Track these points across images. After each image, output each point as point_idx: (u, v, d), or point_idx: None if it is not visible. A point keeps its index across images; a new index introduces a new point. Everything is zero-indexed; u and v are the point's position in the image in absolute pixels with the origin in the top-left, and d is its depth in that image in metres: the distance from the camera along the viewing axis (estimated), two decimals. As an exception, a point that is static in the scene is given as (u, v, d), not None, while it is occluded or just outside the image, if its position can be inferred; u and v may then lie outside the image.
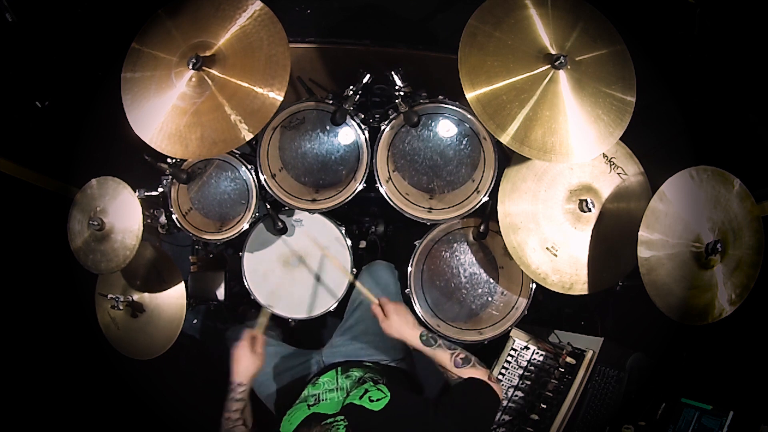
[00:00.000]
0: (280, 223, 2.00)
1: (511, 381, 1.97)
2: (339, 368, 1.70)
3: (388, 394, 1.39)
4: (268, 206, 2.00)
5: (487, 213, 1.91)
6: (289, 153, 2.00)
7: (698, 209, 1.65)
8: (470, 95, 1.59)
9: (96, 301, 2.08)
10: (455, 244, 2.05)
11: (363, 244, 2.33)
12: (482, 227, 1.93)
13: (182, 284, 2.00)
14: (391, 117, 1.90)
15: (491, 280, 2.03)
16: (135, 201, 1.85)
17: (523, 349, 2.00)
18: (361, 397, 1.40)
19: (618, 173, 1.84)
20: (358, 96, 1.89)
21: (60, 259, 2.05)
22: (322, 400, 1.55)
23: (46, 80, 2.26)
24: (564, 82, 1.61)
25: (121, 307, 1.95)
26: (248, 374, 1.57)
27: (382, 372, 1.73)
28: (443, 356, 1.51)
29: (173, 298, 1.99)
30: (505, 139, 1.60)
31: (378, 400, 1.38)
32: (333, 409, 1.43)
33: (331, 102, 1.92)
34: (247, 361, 1.57)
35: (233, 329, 2.04)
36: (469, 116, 1.88)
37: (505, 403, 1.94)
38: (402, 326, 1.54)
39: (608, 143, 1.63)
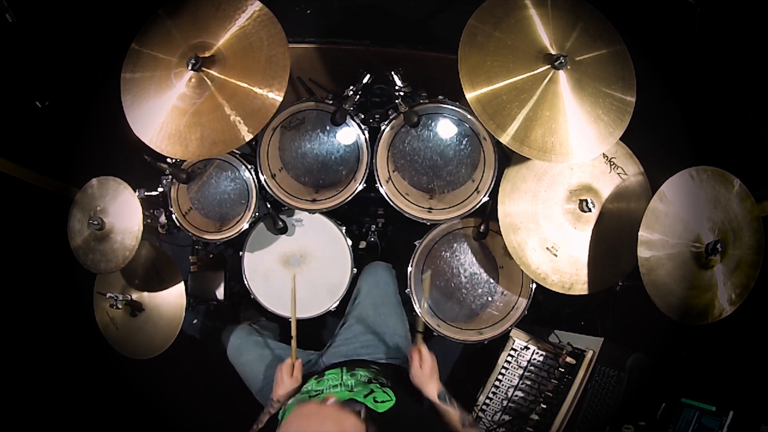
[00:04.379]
0: (280, 223, 2.00)
1: (511, 381, 1.97)
2: (344, 367, 1.71)
3: (394, 398, 1.40)
4: (268, 206, 2.00)
5: (487, 213, 1.91)
6: (289, 153, 2.00)
7: (698, 209, 1.66)
8: (470, 95, 1.59)
9: (95, 300, 2.07)
10: (455, 244, 2.05)
11: (363, 244, 2.33)
12: (482, 227, 1.93)
13: (182, 284, 2.00)
14: (391, 117, 1.90)
15: (491, 280, 2.03)
16: (135, 202, 1.85)
17: (523, 349, 2.00)
18: (365, 396, 1.41)
19: (618, 173, 1.84)
20: (358, 96, 1.89)
21: (60, 259, 2.05)
22: (326, 393, 1.56)
23: (46, 80, 2.26)
24: (564, 82, 1.61)
25: (119, 306, 1.95)
26: (287, 395, 1.63)
27: (387, 374, 1.73)
28: (454, 414, 1.52)
29: (173, 297, 1.99)
30: (505, 139, 1.60)
31: (383, 402, 1.38)
32: None
33: (331, 102, 1.92)
34: (286, 384, 1.64)
35: (228, 330, 2.04)
36: (469, 116, 1.88)
37: (505, 403, 1.94)
38: (430, 378, 1.58)
39: (608, 143, 1.64)
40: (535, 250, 1.79)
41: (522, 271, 1.80)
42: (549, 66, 1.60)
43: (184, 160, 1.99)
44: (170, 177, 1.98)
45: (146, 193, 2.01)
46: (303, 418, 1.17)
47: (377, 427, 1.24)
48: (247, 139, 1.61)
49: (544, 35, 1.64)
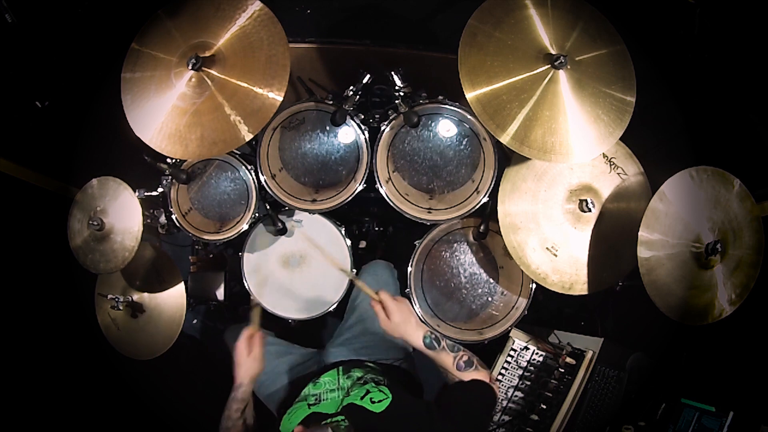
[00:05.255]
0: (279, 224, 2.00)
1: (511, 381, 1.97)
2: (340, 368, 1.70)
3: (390, 396, 1.39)
4: (268, 206, 2.00)
5: (487, 213, 1.91)
6: (289, 153, 2.00)
7: (698, 209, 1.65)
8: (470, 95, 1.59)
9: (96, 301, 2.08)
10: (455, 244, 2.05)
11: (363, 244, 2.34)
12: (482, 227, 1.93)
13: (182, 284, 2.00)
14: (391, 117, 1.90)
15: (491, 280, 2.03)
16: (135, 202, 1.85)
17: (523, 350, 2.00)
18: (362, 398, 1.40)
19: (618, 173, 1.84)
20: (358, 96, 1.89)
21: (60, 259, 2.05)
22: (323, 399, 1.55)
23: (46, 80, 2.26)
24: (564, 82, 1.61)
25: (120, 308, 1.95)
26: (248, 375, 1.54)
27: (383, 372, 1.73)
28: (446, 359, 1.44)
29: (173, 298, 1.99)
30: (505, 139, 1.60)
31: (379, 401, 1.37)
32: (333, 408, 1.43)
33: (331, 102, 1.92)
34: (246, 363, 1.54)
35: (231, 329, 2.04)
36: (469, 116, 1.88)
37: (505, 403, 1.94)
38: (405, 326, 1.44)
39: (608, 143, 1.63)
40: (535, 250, 1.79)
41: (522, 271, 1.80)
42: (549, 66, 1.60)
43: (184, 161, 1.99)
44: (170, 177, 1.98)
45: (146, 194, 2.01)
46: None
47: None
48: (247, 139, 1.61)
49: (544, 35, 1.63)
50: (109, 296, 1.95)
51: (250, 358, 1.53)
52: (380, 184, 1.90)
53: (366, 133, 1.93)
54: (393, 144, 1.96)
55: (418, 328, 1.45)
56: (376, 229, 2.35)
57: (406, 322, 1.45)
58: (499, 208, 1.80)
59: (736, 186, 1.69)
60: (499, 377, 1.98)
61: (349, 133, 1.97)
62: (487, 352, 2.10)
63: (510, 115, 1.60)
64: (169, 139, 1.64)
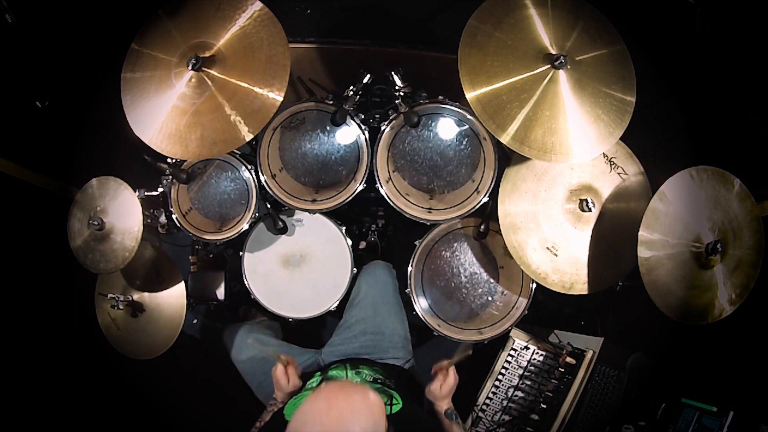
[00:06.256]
0: (280, 223, 2.00)
1: (511, 381, 1.97)
2: (348, 364, 1.71)
3: (401, 402, 1.41)
4: (269, 206, 2.00)
5: (487, 213, 1.91)
6: (290, 153, 2.00)
7: (698, 209, 1.65)
8: (470, 95, 1.59)
9: (96, 301, 2.08)
10: (455, 244, 2.05)
11: (363, 244, 2.33)
12: (482, 227, 1.93)
13: (182, 284, 2.00)
14: (391, 117, 1.90)
15: (491, 280, 2.03)
16: (135, 202, 1.85)
17: (523, 349, 2.00)
18: None
19: (618, 173, 1.84)
20: (358, 96, 1.89)
21: (60, 259, 2.05)
22: None
23: (46, 80, 2.26)
24: (564, 82, 1.61)
25: (121, 307, 1.95)
26: (287, 395, 1.62)
27: (389, 374, 1.73)
28: (457, 430, 1.56)
29: (173, 297, 1.99)
30: (505, 139, 1.60)
31: (392, 404, 1.39)
32: None
33: (331, 102, 1.92)
34: (285, 387, 1.62)
35: (230, 329, 2.04)
36: (469, 116, 1.88)
37: (505, 403, 1.94)
38: (444, 399, 1.59)
39: (608, 143, 1.64)
40: (536, 249, 1.79)
41: (522, 270, 1.80)
42: (549, 66, 1.60)
43: (184, 160, 1.99)
44: (170, 177, 1.98)
45: (146, 193, 2.01)
46: (331, 392, 1.17)
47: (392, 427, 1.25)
48: (248, 139, 1.61)
49: (544, 35, 1.64)
50: (109, 296, 1.95)
51: (290, 385, 1.62)
52: (380, 184, 1.90)
53: (366, 133, 1.93)
54: (393, 144, 1.96)
55: (449, 402, 1.61)
56: (376, 229, 2.35)
57: (448, 396, 1.60)
58: (499, 208, 1.80)
59: (736, 186, 1.69)
60: (500, 377, 1.98)
61: (349, 133, 1.97)
62: (488, 352, 2.10)
63: (510, 115, 1.60)
64: (169, 139, 1.65)
